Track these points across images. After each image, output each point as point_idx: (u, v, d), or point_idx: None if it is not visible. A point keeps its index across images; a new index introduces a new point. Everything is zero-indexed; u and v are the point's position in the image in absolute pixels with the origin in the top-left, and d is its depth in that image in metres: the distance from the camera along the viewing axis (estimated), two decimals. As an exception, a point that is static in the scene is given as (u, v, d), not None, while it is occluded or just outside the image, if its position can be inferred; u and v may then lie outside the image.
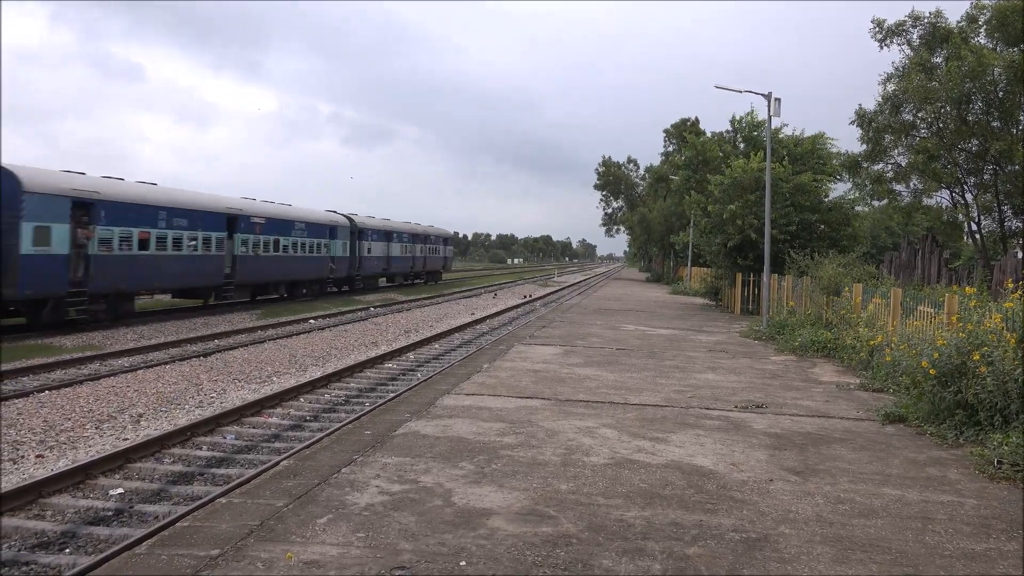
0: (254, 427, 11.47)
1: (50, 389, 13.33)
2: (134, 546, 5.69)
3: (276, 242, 33.99)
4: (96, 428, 11.05)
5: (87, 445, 10.23)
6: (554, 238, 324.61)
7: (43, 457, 9.58)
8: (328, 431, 10.15)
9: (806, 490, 6.62)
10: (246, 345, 19.83)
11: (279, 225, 34.54)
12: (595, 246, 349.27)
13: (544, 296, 46.44)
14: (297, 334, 22.64)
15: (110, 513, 7.74)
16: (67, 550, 6.82)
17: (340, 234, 41.07)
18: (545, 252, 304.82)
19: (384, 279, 51.18)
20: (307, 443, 9.53)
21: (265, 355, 18.21)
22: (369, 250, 45.30)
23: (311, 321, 26.63)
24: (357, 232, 43.27)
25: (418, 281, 57.29)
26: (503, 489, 6.39)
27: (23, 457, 9.54)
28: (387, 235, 48.87)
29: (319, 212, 40.71)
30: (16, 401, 12.35)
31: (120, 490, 8.41)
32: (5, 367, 15.29)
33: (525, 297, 44.01)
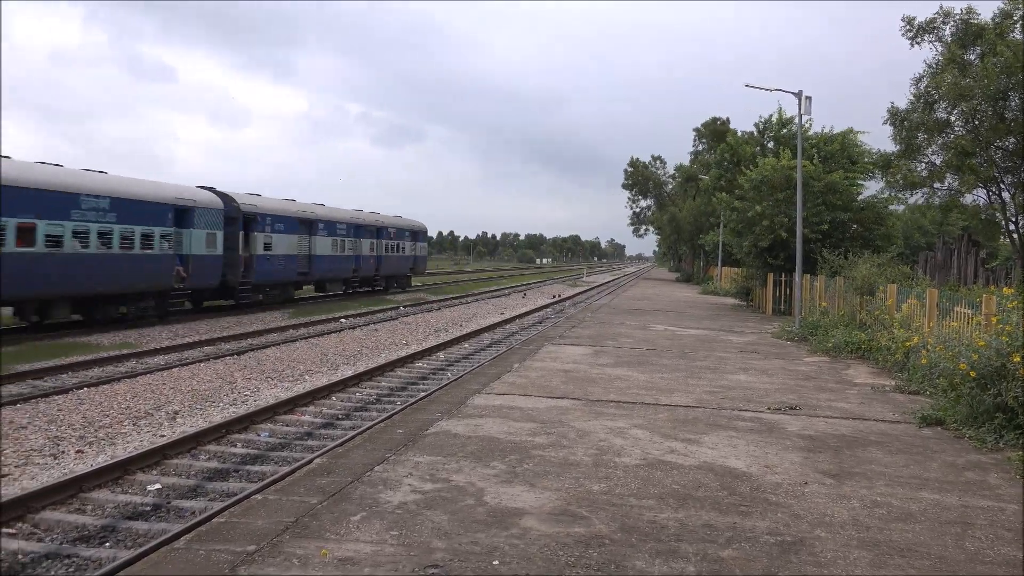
0: (287, 425, 11.60)
1: (89, 386, 13.59)
2: (172, 541, 5.78)
3: (30, 230, 19.78)
4: (133, 425, 11.24)
5: (125, 441, 10.41)
6: (582, 238, 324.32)
7: (83, 452, 9.77)
8: (360, 429, 10.23)
9: (842, 493, 6.55)
10: (278, 344, 20.05)
11: (43, 201, 20.27)
12: (624, 246, 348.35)
13: (573, 296, 46.36)
14: (328, 333, 22.83)
15: (148, 508, 7.87)
16: (107, 544, 6.95)
17: (201, 220, 26.74)
18: (574, 252, 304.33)
19: (310, 286, 38.30)
20: (340, 441, 9.62)
21: (297, 354, 18.40)
22: (268, 246, 31.09)
23: (342, 320, 26.84)
24: (241, 219, 29.35)
25: (375, 288, 43.26)
26: (535, 489, 6.40)
27: (64, 452, 9.73)
28: (306, 225, 34.53)
29: (152, 184, 25.82)
30: (56, 398, 12.61)
31: (158, 486, 8.55)
32: (46, 364, 15.61)
33: (554, 297, 43.97)
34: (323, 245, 36.06)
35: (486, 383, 11.55)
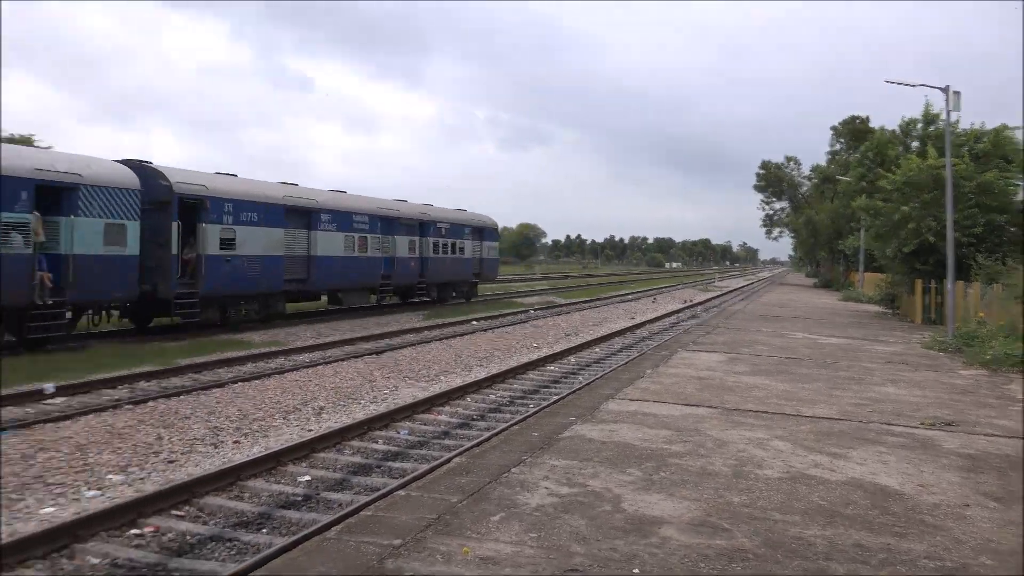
0: (425, 424, 11.95)
1: (242, 381, 14.49)
2: (324, 531, 6.08)
3: None
4: (283, 418, 11.90)
5: (276, 434, 11.03)
6: (713, 241, 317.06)
7: (239, 443, 10.43)
8: (495, 431, 10.42)
9: (1009, 518, 6.10)
10: (414, 344, 20.68)
11: None
12: (757, 250, 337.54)
13: (705, 301, 45.38)
14: (461, 335, 23.35)
15: (299, 498, 8.32)
16: (264, 530, 7.39)
17: (95, 205, 18.57)
18: (704, 256, 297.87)
19: (325, 298, 29.28)
20: (476, 441, 9.83)
21: (432, 354, 18.92)
22: (229, 243, 22.33)
23: (473, 323, 27.38)
24: (176, 205, 20.62)
25: (420, 299, 34.16)
26: (673, 498, 6.33)
27: (222, 442, 10.42)
28: (299, 217, 25.71)
29: None
30: (214, 391, 13.52)
31: (307, 477, 9.02)
32: (204, 359, 16.75)
33: (685, 302, 43.20)
34: (330, 243, 27.15)
35: (619, 388, 11.51)
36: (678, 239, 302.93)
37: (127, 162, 20.83)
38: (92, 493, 8.24)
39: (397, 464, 9.68)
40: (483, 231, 40.13)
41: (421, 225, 33.78)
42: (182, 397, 12.97)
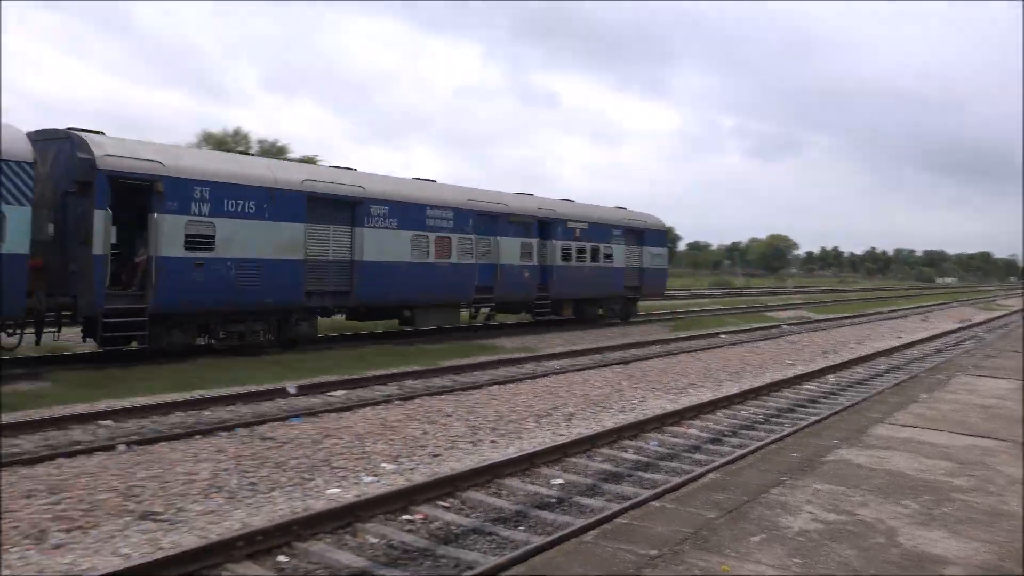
0: (674, 436, 11.82)
1: (497, 384, 15.24)
2: (580, 533, 6.23)
3: None
4: (536, 422, 12.33)
5: (529, 436, 11.46)
6: (995, 254, 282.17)
7: (496, 443, 10.97)
8: (750, 448, 10.08)
9: None
10: (660, 356, 20.54)
11: None
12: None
13: (986, 322, 40.62)
14: (709, 348, 22.82)
15: (553, 500, 8.56)
16: (520, 527, 7.71)
17: None
18: (984, 271, 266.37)
19: (392, 313, 22.32)
20: (730, 458, 9.56)
21: (679, 367, 18.66)
22: (201, 241, 16.58)
23: (722, 336, 26.64)
24: (105, 186, 15.11)
25: (542, 315, 26.72)
26: (957, 536, 5.73)
27: (480, 441, 11.03)
28: (334, 209, 19.52)
29: None
30: (473, 392, 14.34)
31: (560, 480, 9.27)
32: (463, 362, 17.82)
33: (962, 321, 38.95)
34: (386, 244, 20.41)
35: (888, 412, 10.64)
36: (951, 252, 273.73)
37: (37, 132, 15.56)
38: (369, 479, 9.08)
39: (647, 475, 9.67)
40: (643, 234, 31.40)
41: (542, 224, 26.09)
42: (444, 396, 13.89)
